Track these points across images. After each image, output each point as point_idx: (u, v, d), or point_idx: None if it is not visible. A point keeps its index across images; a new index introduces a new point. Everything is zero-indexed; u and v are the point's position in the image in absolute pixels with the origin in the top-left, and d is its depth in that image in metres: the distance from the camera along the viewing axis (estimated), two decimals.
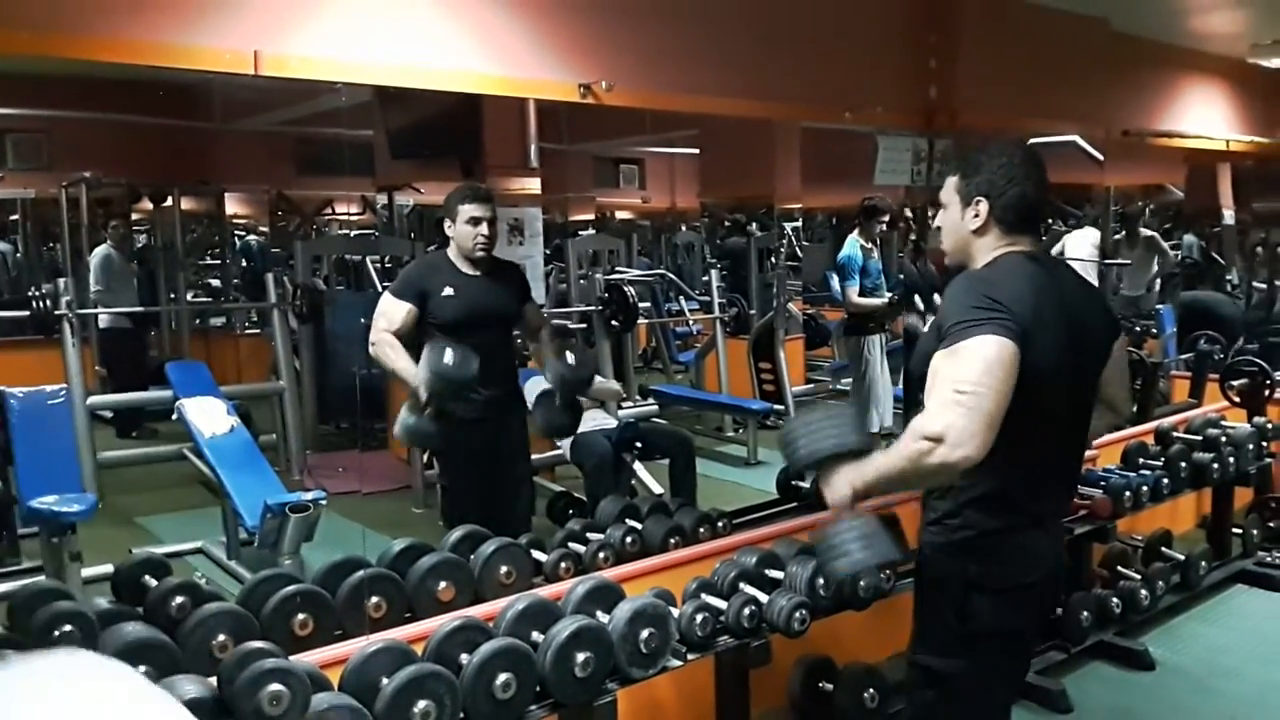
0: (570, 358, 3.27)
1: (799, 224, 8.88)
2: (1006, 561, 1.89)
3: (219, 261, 9.36)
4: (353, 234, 9.54)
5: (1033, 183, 1.91)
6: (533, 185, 5.11)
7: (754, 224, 8.54)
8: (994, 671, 1.99)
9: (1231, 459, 4.14)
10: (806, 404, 7.36)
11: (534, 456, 4.13)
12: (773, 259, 8.01)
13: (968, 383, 1.67)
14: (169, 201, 8.23)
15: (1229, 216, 7.71)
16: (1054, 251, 6.17)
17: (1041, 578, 1.94)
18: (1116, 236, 6.86)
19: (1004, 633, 1.93)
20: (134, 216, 8.21)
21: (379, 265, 7.05)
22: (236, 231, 10.06)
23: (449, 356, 2.95)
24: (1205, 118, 6.04)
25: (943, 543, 1.94)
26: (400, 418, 3.07)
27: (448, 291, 3.16)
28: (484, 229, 3.16)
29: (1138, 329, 6.56)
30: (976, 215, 1.90)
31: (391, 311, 3.16)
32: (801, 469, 1.88)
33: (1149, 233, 6.78)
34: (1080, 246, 6.52)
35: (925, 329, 1.91)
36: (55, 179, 7.48)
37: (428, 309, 3.16)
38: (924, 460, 1.67)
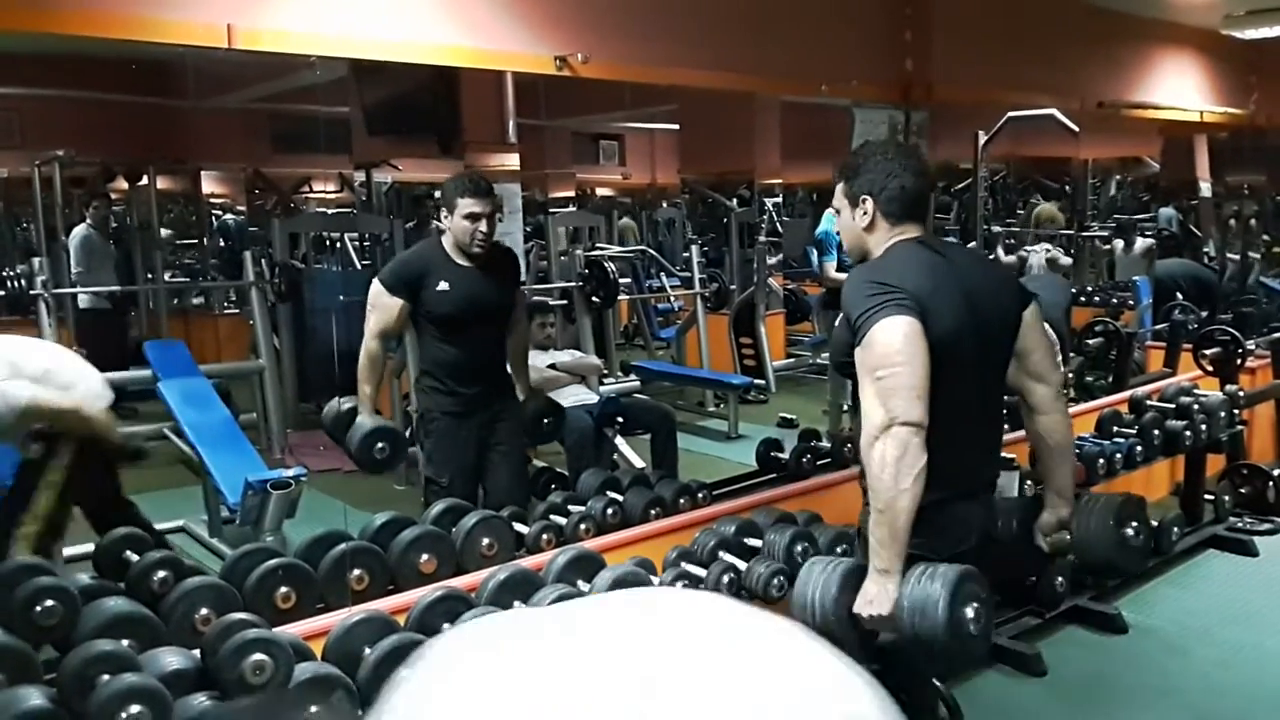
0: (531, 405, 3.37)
1: (779, 199, 8.89)
2: (939, 533, 1.93)
3: (196, 241, 9.28)
4: (330, 212, 9.48)
5: (911, 173, 2.01)
6: (511, 161, 5.09)
7: (734, 199, 8.55)
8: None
9: (1204, 426, 4.21)
10: (788, 379, 7.42)
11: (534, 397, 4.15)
12: (760, 234, 8.02)
13: (885, 367, 1.79)
14: (144, 180, 8.14)
15: (1206, 189, 7.78)
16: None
17: (972, 545, 1.99)
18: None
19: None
20: (110, 196, 8.11)
21: (357, 243, 7.01)
22: (214, 210, 9.97)
23: (364, 437, 3.02)
24: (1179, 89, 6.09)
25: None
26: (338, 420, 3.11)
27: (442, 286, 3.05)
28: (483, 225, 3.03)
29: (1114, 300, 6.63)
30: (865, 213, 2.02)
31: (384, 308, 3.07)
32: (835, 629, 1.89)
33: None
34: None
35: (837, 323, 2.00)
36: (27, 158, 7.37)
37: (420, 301, 3.06)
38: (889, 455, 1.77)
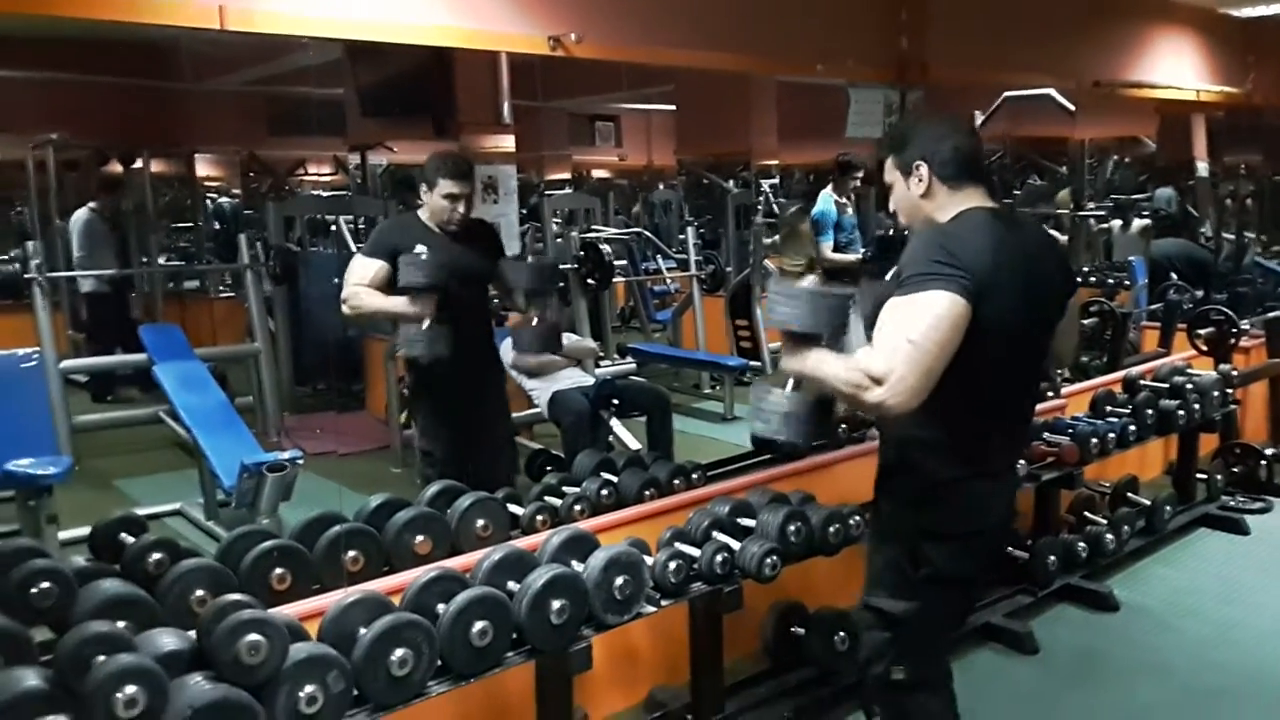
0: (530, 259, 3.30)
1: (776, 181, 8.86)
2: (959, 511, 1.95)
3: (191, 224, 9.24)
4: (325, 194, 9.44)
5: (962, 134, 1.98)
6: (506, 143, 5.07)
7: (730, 181, 8.52)
8: (940, 614, 2.07)
9: (1197, 406, 4.22)
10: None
11: (522, 414, 4.17)
12: (757, 215, 7.99)
13: (916, 333, 1.73)
14: (139, 164, 8.10)
15: (1203, 169, 7.75)
16: None
17: (992, 525, 2.00)
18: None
19: (954, 578, 1.99)
20: (122, 184, 8.10)
21: (353, 226, 6.99)
22: (208, 194, 9.92)
23: (424, 252, 2.97)
24: (1176, 69, 6.06)
25: (897, 490, 2.00)
26: (400, 333, 3.08)
27: (420, 249, 3.07)
28: (460, 206, 3.13)
29: (1110, 281, 6.63)
30: (920, 180, 1.97)
31: (362, 270, 3.12)
32: (774, 327, 1.93)
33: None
34: None
35: (887, 278, 1.97)
36: (21, 141, 7.34)
37: (399, 266, 3.09)
38: (860, 394, 1.75)
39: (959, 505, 1.94)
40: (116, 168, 8.19)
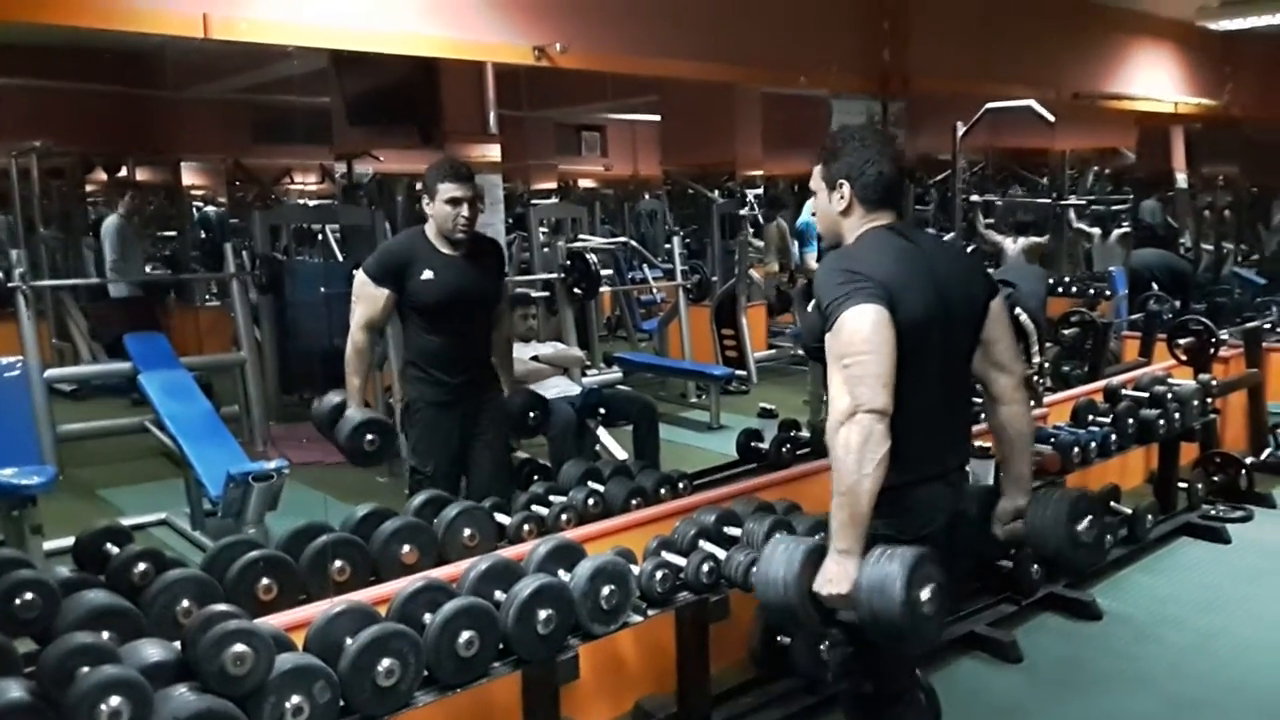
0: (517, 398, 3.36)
1: (761, 191, 8.91)
2: (906, 514, 1.97)
3: (177, 233, 9.21)
4: (311, 203, 9.43)
5: (888, 160, 2.04)
6: (492, 152, 5.08)
7: (716, 191, 8.56)
8: None
9: (1177, 415, 4.26)
10: (770, 370, 7.44)
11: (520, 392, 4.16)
12: (749, 227, 8.02)
13: (852, 354, 1.83)
14: (124, 172, 8.07)
15: (1182, 180, 7.84)
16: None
17: (939, 528, 2.02)
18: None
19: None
20: (143, 188, 8.17)
21: (339, 235, 6.99)
22: (194, 202, 9.88)
23: (353, 430, 2.98)
24: (1154, 81, 6.13)
25: None
26: (329, 412, 3.07)
27: (426, 275, 3.03)
28: (464, 210, 3.02)
29: (1091, 291, 6.69)
30: (842, 198, 2.05)
31: (369, 299, 3.04)
32: (797, 606, 1.94)
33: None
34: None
35: (809, 309, 2.02)
36: (4, 149, 7.30)
37: (405, 291, 3.05)
38: (853, 441, 1.80)
39: (906, 510, 1.97)
40: (102, 175, 8.17)
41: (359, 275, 3.09)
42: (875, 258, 1.94)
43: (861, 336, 1.83)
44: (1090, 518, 2.12)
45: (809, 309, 2.04)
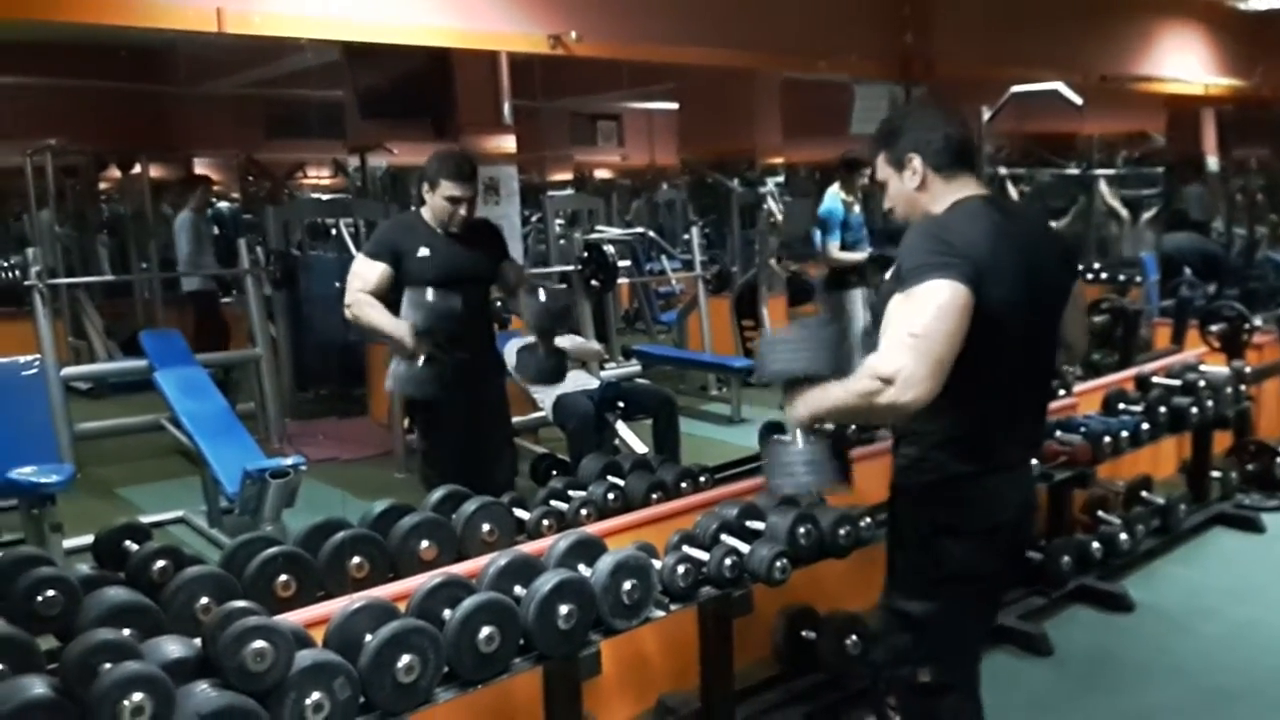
0: (542, 295, 3.18)
1: (781, 179, 8.84)
2: (975, 505, 1.91)
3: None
4: (325, 198, 9.43)
5: (953, 124, 1.97)
6: (507, 143, 5.05)
7: (736, 179, 8.49)
8: (965, 612, 2.02)
9: (1210, 403, 4.18)
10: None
11: (516, 419, 4.12)
12: (770, 215, 7.95)
13: (920, 326, 1.71)
14: (137, 169, 8.09)
15: (1213, 163, 7.71)
16: None
17: (1009, 519, 1.97)
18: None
19: (975, 575, 1.96)
20: (211, 182, 8.27)
21: (353, 229, 6.98)
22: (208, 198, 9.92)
23: (431, 295, 2.88)
24: (1183, 62, 6.03)
25: (913, 488, 1.96)
26: (390, 369, 3.00)
27: (423, 252, 3.06)
28: (461, 209, 3.05)
29: (1121, 277, 6.58)
30: (914, 172, 1.95)
31: (365, 273, 3.06)
32: (768, 383, 1.94)
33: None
34: None
35: (887, 276, 1.95)
36: (19, 147, 7.33)
37: (402, 269, 3.06)
38: (874, 400, 1.72)
39: (975, 500, 1.91)
40: (116, 172, 8.20)
41: (356, 257, 3.13)
42: (969, 232, 1.81)
43: (935, 312, 1.70)
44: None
45: (886, 276, 1.92)
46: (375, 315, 3.00)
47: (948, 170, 1.92)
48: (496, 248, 3.30)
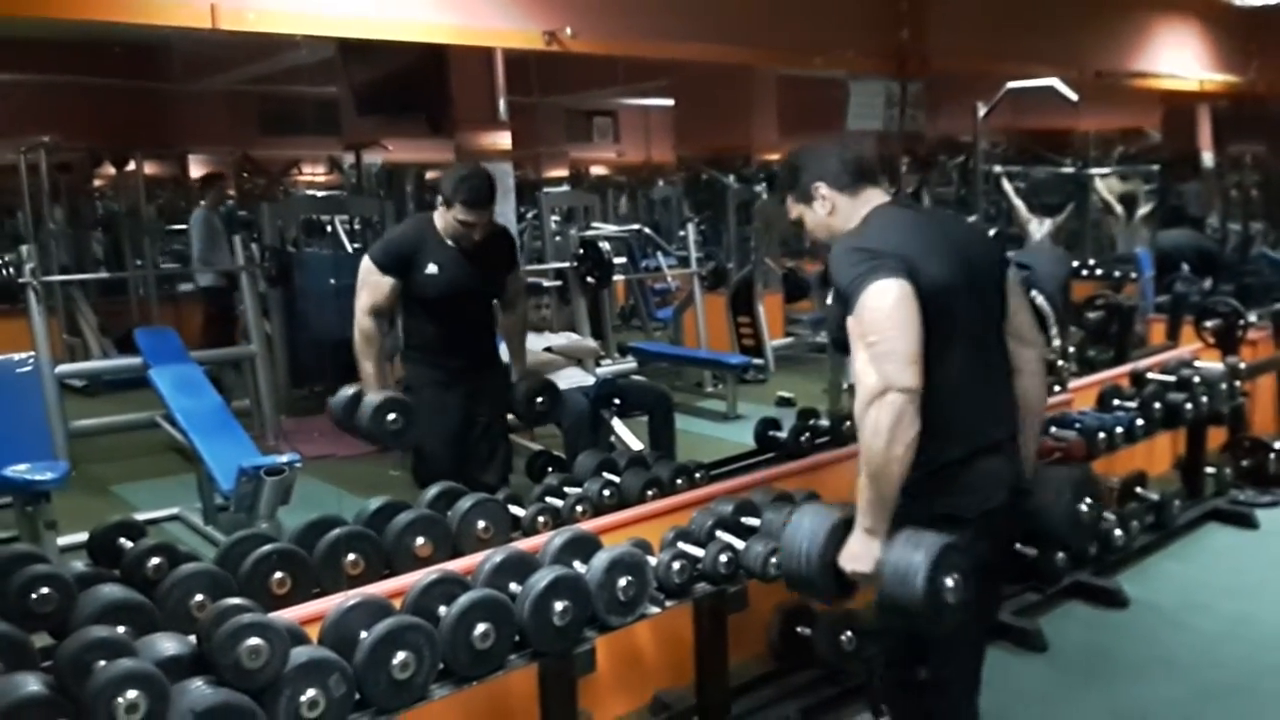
0: (523, 387, 3.33)
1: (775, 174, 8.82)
2: (967, 492, 1.93)
3: (185, 226, 9.21)
4: (320, 194, 9.41)
5: (843, 146, 2.08)
6: (503, 140, 5.03)
7: (731, 176, 8.48)
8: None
9: (1205, 399, 4.18)
10: (787, 358, 7.38)
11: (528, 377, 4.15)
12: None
13: (876, 332, 1.78)
14: (131, 165, 8.08)
15: (1208, 159, 7.71)
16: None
17: (1001, 504, 1.97)
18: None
19: (975, 565, 1.94)
20: (228, 180, 8.29)
21: (348, 226, 6.98)
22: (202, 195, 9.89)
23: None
24: (1179, 58, 6.02)
25: (908, 484, 1.92)
26: (362, 405, 3.02)
27: (431, 269, 3.07)
28: (474, 233, 3.06)
29: (1116, 273, 6.59)
30: (823, 199, 2.03)
31: (374, 285, 3.07)
32: (818, 578, 1.92)
33: None
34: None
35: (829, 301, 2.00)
36: (12, 145, 7.31)
37: (410, 280, 3.08)
38: (882, 422, 1.75)
39: (969, 485, 1.93)
40: (110, 169, 8.18)
41: (365, 261, 3.11)
42: (885, 233, 1.90)
43: (884, 313, 1.78)
44: (1089, 498, 2.06)
45: (828, 300, 1.98)
46: (366, 366, 3.07)
47: (851, 189, 2.01)
48: (506, 260, 3.32)
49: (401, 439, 3.06)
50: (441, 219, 3.09)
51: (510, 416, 3.51)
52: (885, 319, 1.78)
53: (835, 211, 2.02)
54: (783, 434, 3.69)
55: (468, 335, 3.20)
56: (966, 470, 1.92)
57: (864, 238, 1.91)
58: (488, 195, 3.06)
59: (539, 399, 3.39)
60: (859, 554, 1.86)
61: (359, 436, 3.10)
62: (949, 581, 1.80)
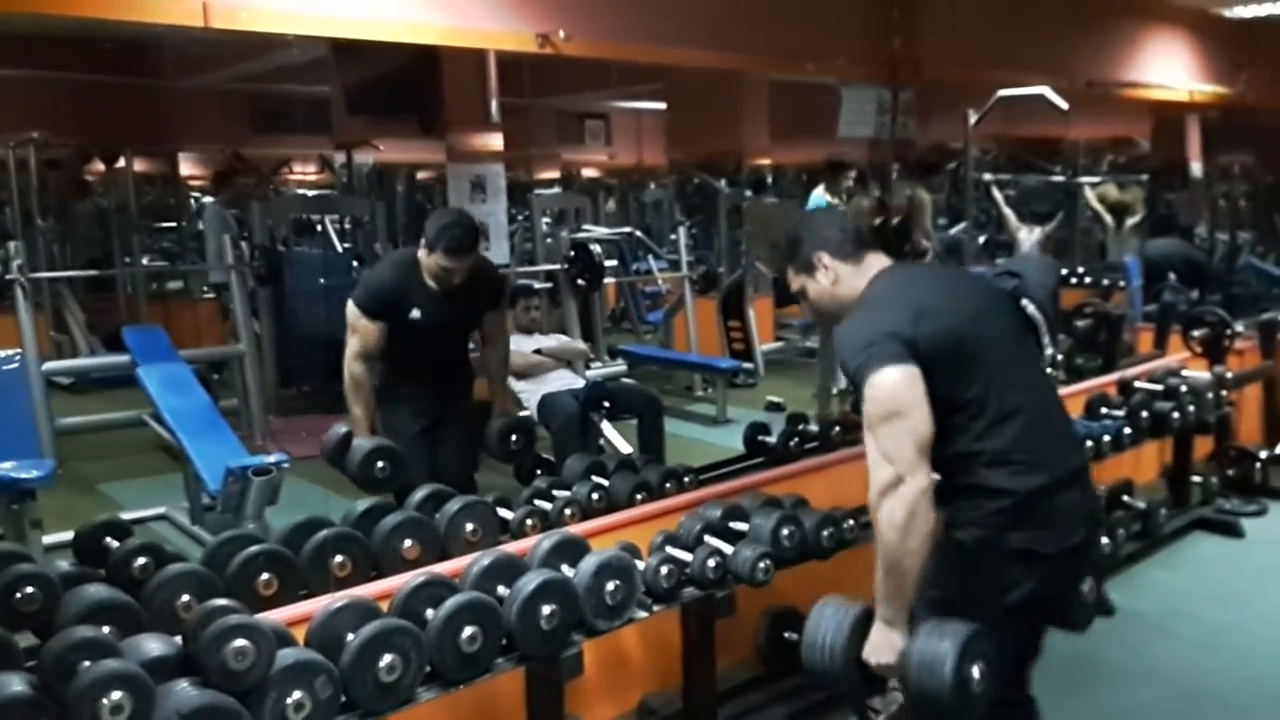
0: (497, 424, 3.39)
1: (770, 180, 8.86)
2: (1050, 527, 1.87)
3: (174, 224, 9.17)
4: (311, 194, 9.38)
5: (838, 216, 2.18)
6: (494, 141, 5.03)
7: (722, 180, 8.50)
8: (1026, 638, 2.01)
9: (1191, 407, 4.20)
10: (777, 362, 7.39)
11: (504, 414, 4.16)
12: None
13: (886, 422, 1.78)
14: (121, 163, 8.03)
15: (1197, 169, 7.76)
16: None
17: (1082, 540, 1.93)
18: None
19: (1043, 599, 1.92)
20: (244, 179, 8.29)
21: (339, 226, 6.96)
22: (192, 193, 9.85)
23: (364, 459, 3.02)
24: (1169, 69, 6.06)
25: (979, 515, 1.89)
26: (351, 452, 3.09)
27: (415, 314, 3.17)
28: (455, 278, 3.15)
29: (1105, 282, 6.63)
30: (826, 269, 2.03)
31: (364, 331, 3.16)
32: (842, 673, 1.91)
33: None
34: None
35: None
36: (1, 140, 7.27)
37: (393, 321, 3.17)
38: (896, 516, 1.74)
39: (1050, 517, 1.87)
40: (100, 165, 8.14)
41: (350, 306, 3.19)
42: (883, 304, 1.91)
43: (891, 402, 1.78)
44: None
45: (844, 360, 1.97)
46: (356, 411, 3.16)
47: (854, 256, 2.02)
48: (490, 301, 3.42)
49: (389, 486, 3.10)
50: (424, 260, 3.16)
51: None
52: (892, 408, 1.78)
53: (839, 280, 2.02)
54: (772, 439, 3.69)
55: (442, 359, 3.34)
56: (1047, 503, 1.87)
57: (866, 316, 1.90)
58: (469, 244, 3.13)
59: (513, 437, 3.44)
60: (880, 645, 1.85)
61: (348, 477, 3.15)
62: (975, 671, 1.78)
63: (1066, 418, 2.08)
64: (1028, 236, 6.42)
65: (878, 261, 2.03)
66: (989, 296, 2.06)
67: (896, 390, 1.78)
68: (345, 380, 3.17)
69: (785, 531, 2.65)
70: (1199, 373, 4.56)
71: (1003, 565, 1.86)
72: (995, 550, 1.87)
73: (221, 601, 1.94)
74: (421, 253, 3.17)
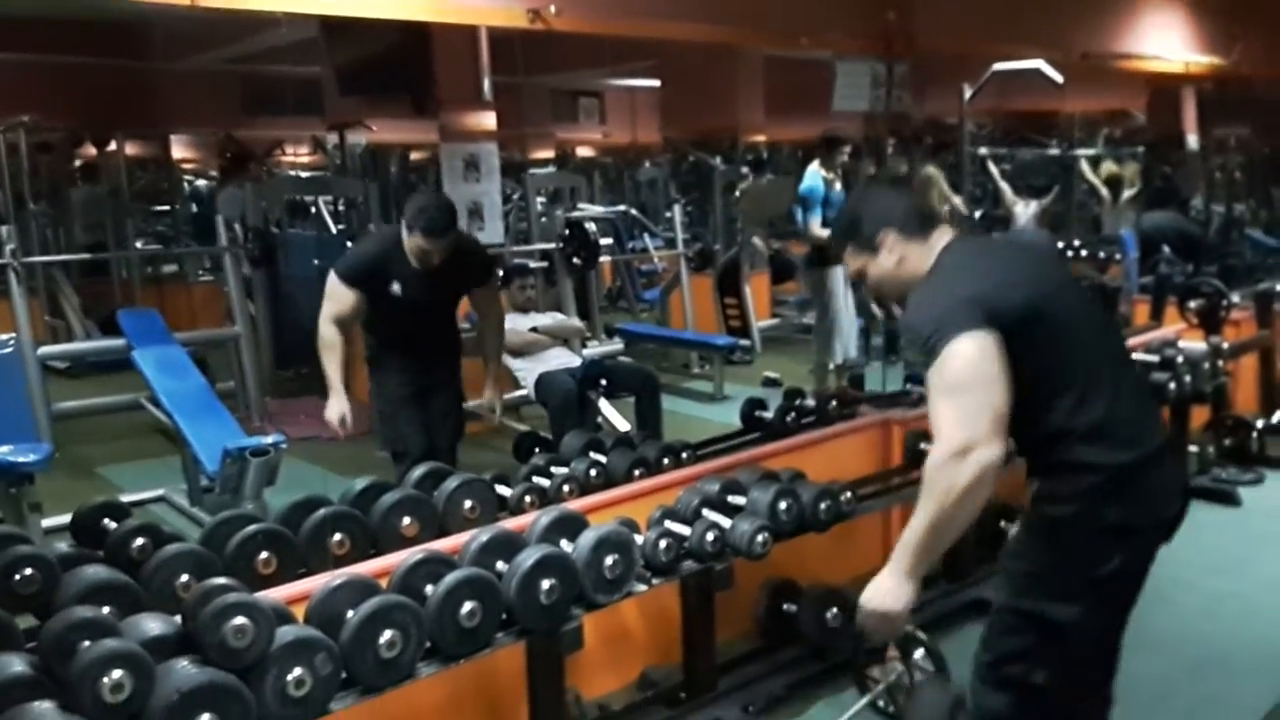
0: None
1: (763, 156, 8.83)
2: (1148, 499, 1.83)
3: (168, 207, 9.13)
4: (304, 175, 9.34)
5: (904, 191, 2.07)
6: (487, 120, 5.01)
7: (718, 157, 8.46)
8: (1110, 614, 1.95)
9: (1188, 378, 4.20)
10: (773, 339, 7.39)
11: (508, 396, 4.24)
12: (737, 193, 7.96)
13: (963, 388, 1.70)
14: (113, 146, 7.99)
15: (1193, 141, 7.73)
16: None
17: (1175, 515, 1.89)
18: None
19: (1131, 573, 1.88)
20: (261, 162, 8.24)
21: (332, 207, 6.93)
22: (185, 176, 9.80)
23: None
24: (1163, 40, 6.02)
25: (1073, 491, 1.83)
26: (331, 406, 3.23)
27: (395, 288, 3.21)
28: (433, 258, 3.17)
29: (1101, 254, 6.62)
30: (891, 249, 1.94)
31: (339, 298, 3.22)
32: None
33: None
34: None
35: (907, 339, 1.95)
36: None
37: (374, 295, 3.21)
38: (961, 482, 1.67)
39: (1149, 493, 1.83)
40: (92, 149, 8.09)
41: (332, 275, 3.24)
42: (957, 274, 1.83)
43: (969, 369, 1.70)
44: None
45: (903, 343, 1.95)
46: (330, 369, 3.26)
47: (921, 234, 1.93)
48: (477, 277, 3.46)
49: None
50: (405, 240, 3.19)
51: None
52: (971, 375, 1.70)
53: (904, 261, 1.93)
54: (769, 414, 3.70)
55: (427, 334, 3.38)
56: (1146, 477, 1.82)
57: (938, 286, 1.83)
58: (444, 226, 3.15)
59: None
60: (890, 590, 1.79)
61: None
62: None
63: (1148, 389, 2.04)
64: (1024, 210, 6.40)
65: (944, 236, 1.94)
66: (1062, 267, 2.02)
67: (976, 360, 1.70)
68: (319, 343, 3.25)
69: (783, 505, 2.65)
70: (1195, 343, 4.56)
71: (1094, 540, 1.81)
72: (1089, 525, 1.81)
73: (220, 580, 1.93)
74: (404, 233, 3.19)
